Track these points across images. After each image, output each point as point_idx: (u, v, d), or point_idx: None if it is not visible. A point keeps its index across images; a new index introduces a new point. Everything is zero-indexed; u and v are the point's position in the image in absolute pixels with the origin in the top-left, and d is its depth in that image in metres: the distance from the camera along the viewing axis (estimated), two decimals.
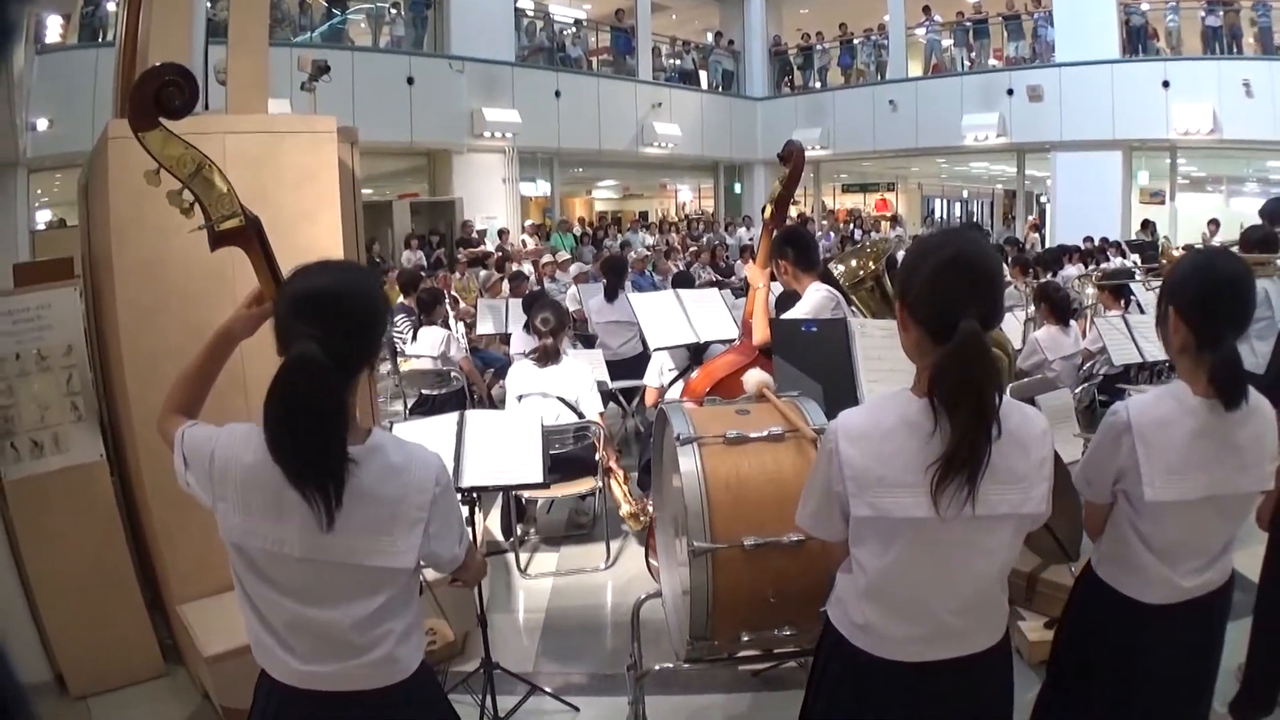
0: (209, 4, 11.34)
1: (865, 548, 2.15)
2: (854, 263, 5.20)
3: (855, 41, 26.13)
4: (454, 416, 4.18)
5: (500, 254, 16.78)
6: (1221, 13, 19.92)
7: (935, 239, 2.20)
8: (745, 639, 3.00)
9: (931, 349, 2.05)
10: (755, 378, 3.38)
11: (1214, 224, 17.75)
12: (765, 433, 2.97)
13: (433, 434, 4.06)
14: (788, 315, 4.85)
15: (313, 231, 4.57)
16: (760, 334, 4.63)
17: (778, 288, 5.46)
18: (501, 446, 4.09)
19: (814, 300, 4.70)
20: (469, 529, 3.13)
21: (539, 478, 4.04)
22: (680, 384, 5.90)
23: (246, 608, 2.11)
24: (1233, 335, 2.46)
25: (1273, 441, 2.53)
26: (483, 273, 14.47)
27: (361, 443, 2.03)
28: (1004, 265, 13.30)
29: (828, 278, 4.98)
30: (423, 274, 13.47)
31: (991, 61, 23.82)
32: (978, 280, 2.04)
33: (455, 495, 2.20)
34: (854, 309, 4.99)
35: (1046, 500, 2.12)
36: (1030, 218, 26.49)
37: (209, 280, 3.99)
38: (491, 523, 6.35)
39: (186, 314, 4.14)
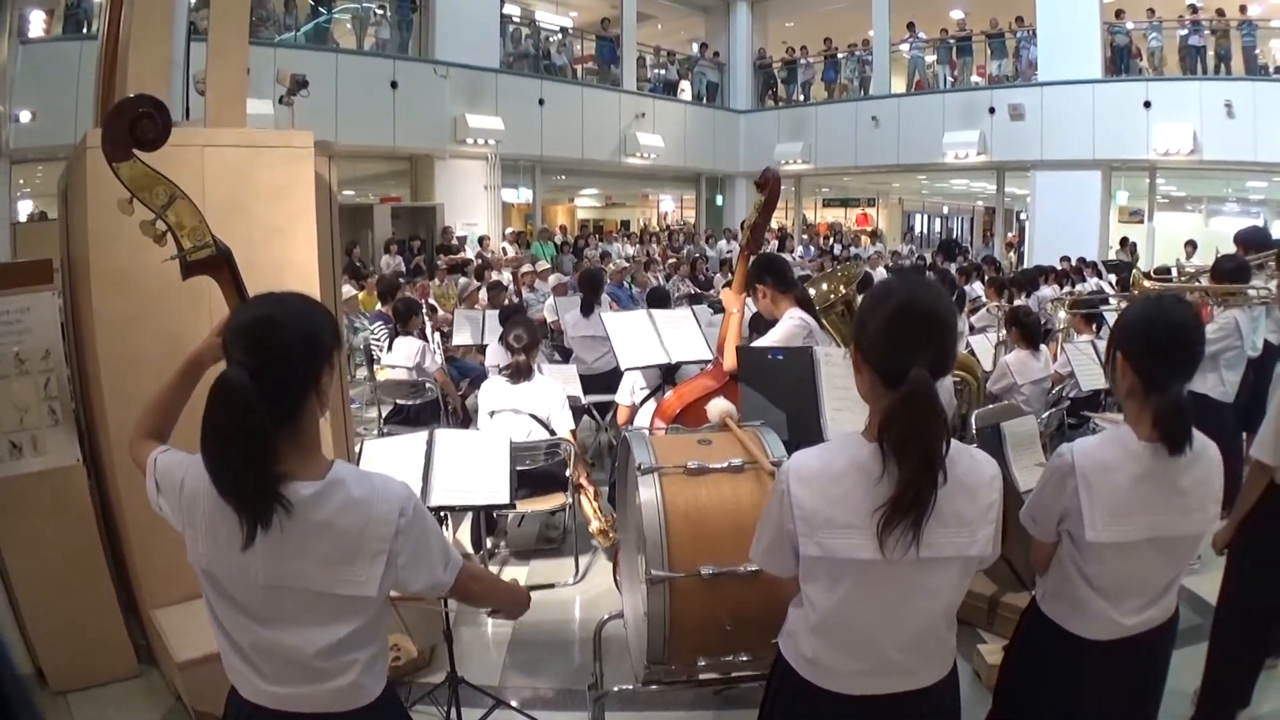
0: (191, 3, 11.32)
1: (815, 585, 2.20)
2: (825, 286, 5.26)
3: (839, 56, 26.22)
4: (423, 435, 4.21)
5: (480, 261, 16.78)
6: (1206, 32, 19.98)
7: (891, 284, 2.25)
8: (702, 664, 3.05)
9: (884, 394, 2.10)
10: (719, 407, 3.43)
11: (1190, 246, 17.86)
12: (725, 464, 3.03)
13: (402, 453, 4.10)
14: (757, 343, 4.90)
15: (288, 245, 4.61)
16: (732, 360, 4.67)
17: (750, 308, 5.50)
18: (470, 466, 4.13)
19: (785, 329, 4.76)
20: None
21: (506, 498, 4.08)
22: (653, 403, 5.93)
23: (216, 629, 2.15)
24: (1179, 381, 2.52)
25: (1217, 485, 2.59)
26: (461, 280, 14.45)
27: (321, 477, 2.06)
28: (980, 283, 13.46)
29: (804, 301, 5.04)
30: (402, 280, 13.46)
31: (974, 78, 23.93)
32: (929, 328, 2.10)
33: (429, 523, 2.19)
34: (828, 334, 5.06)
35: (992, 543, 2.17)
36: (1010, 234, 26.63)
37: (184, 291, 3.95)
38: (462, 535, 6.38)
39: (162, 324, 4.19)
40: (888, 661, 2.18)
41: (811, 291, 5.21)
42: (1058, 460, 2.59)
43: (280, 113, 8.96)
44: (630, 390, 6.35)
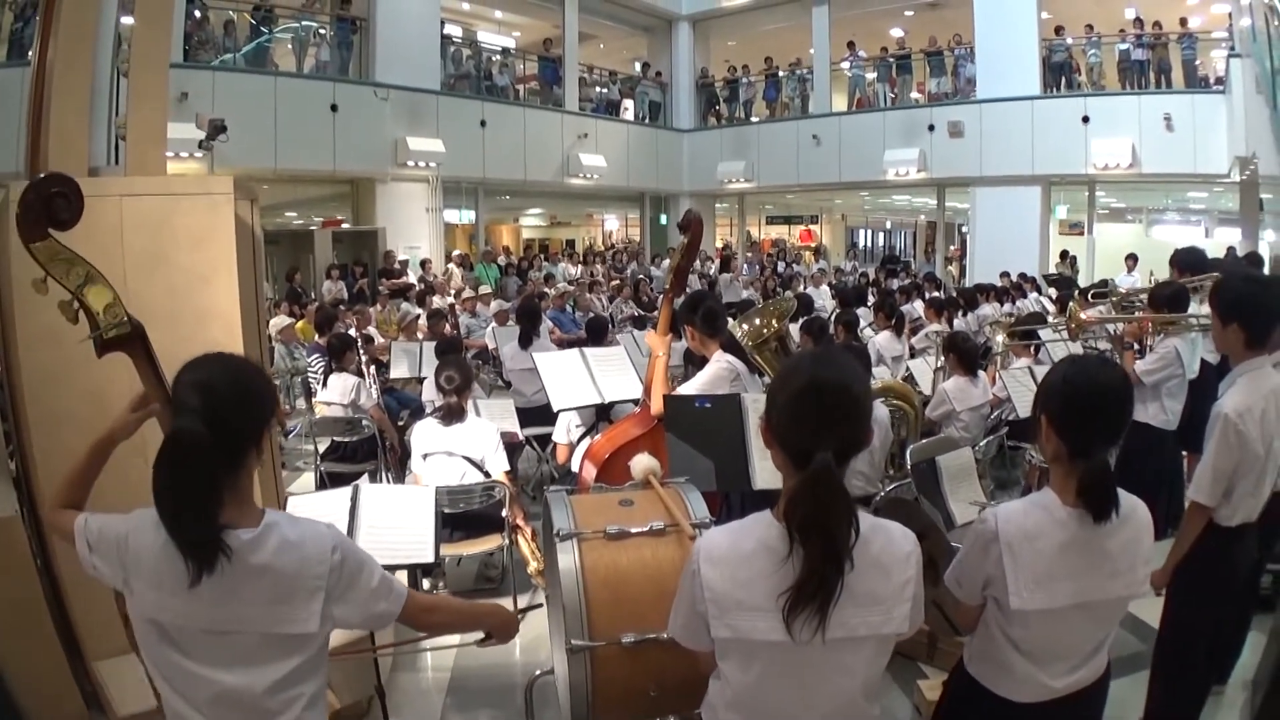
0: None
1: (729, 664, 2.17)
2: (757, 322, 5.23)
3: (780, 75, 26.40)
4: (347, 492, 4.15)
5: (422, 286, 16.67)
6: (1150, 46, 20.23)
7: (803, 361, 2.23)
8: None
9: (792, 473, 2.08)
10: (642, 464, 3.39)
11: (1131, 260, 18.05)
12: (646, 527, 2.99)
13: (326, 509, 4.03)
14: (682, 389, 4.87)
15: (210, 294, 4.54)
16: (658, 405, 4.63)
17: (680, 347, 5.49)
18: (395, 523, 4.06)
19: (710, 373, 4.73)
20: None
21: (430, 557, 4.02)
22: (589, 440, 5.89)
23: (162, 683, 2.17)
24: (1104, 446, 2.48)
25: (1147, 545, 2.55)
26: (404, 305, 14.31)
27: (256, 524, 2.14)
28: (921, 301, 13.47)
29: (732, 345, 5.02)
30: (342, 307, 13.30)
31: (914, 96, 24.18)
32: (837, 410, 2.05)
33: (362, 558, 2.28)
34: (756, 373, 5.03)
35: (909, 619, 2.14)
36: (951, 248, 26.87)
37: None
38: (400, 576, 6.28)
39: (88, 379, 4.11)
40: None
41: (745, 327, 5.19)
42: (981, 526, 2.55)
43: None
44: (567, 429, 6.32)
